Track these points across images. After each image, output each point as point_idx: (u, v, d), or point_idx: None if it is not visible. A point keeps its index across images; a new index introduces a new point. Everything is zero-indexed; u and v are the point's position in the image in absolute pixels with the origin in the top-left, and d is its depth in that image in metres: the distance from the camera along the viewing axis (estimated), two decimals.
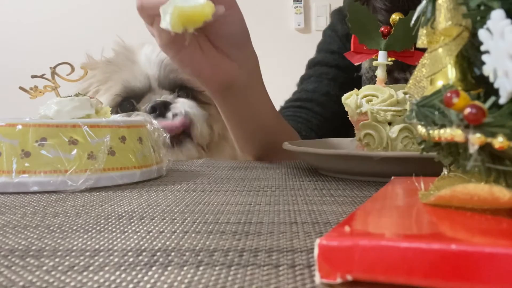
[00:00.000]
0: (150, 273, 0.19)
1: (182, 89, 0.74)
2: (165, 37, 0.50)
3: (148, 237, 0.24)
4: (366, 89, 0.46)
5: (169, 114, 0.68)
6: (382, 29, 0.47)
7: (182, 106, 0.70)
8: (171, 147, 0.67)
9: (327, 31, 0.90)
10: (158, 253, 0.22)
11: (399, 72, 0.71)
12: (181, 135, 0.70)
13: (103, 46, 0.77)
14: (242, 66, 0.56)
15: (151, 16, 0.49)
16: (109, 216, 0.29)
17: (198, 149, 0.72)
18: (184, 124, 0.69)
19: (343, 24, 0.84)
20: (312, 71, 0.86)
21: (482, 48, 0.19)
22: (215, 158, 0.73)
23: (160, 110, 0.68)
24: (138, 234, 0.25)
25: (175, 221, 0.28)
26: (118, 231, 0.26)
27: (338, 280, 0.17)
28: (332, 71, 0.80)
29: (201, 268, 0.20)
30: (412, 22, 0.24)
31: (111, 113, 0.48)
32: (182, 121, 0.68)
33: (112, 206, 0.33)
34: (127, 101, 0.70)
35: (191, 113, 0.70)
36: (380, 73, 0.48)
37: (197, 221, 0.28)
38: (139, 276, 0.19)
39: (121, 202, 0.34)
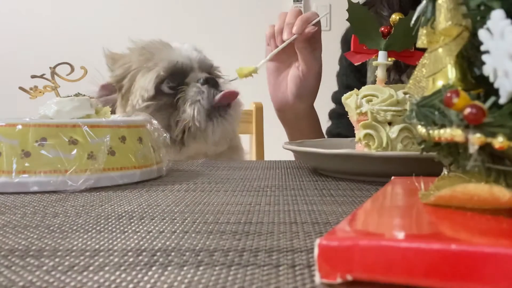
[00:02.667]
0: (150, 273, 0.19)
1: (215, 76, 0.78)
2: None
3: (148, 237, 0.24)
4: (366, 89, 0.46)
5: (221, 90, 0.72)
6: (382, 29, 0.47)
7: (225, 84, 0.75)
8: (218, 118, 0.71)
9: (341, 62, 0.93)
10: (158, 253, 0.22)
11: (395, 74, 0.71)
12: (222, 109, 0.72)
13: (103, 46, 0.77)
14: (294, 108, 0.77)
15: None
16: (109, 216, 0.29)
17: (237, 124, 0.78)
18: (237, 91, 0.74)
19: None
20: (335, 108, 0.90)
21: (482, 48, 0.19)
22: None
23: (213, 83, 0.72)
24: (138, 234, 0.25)
25: (175, 221, 0.28)
26: (118, 231, 0.26)
27: (338, 280, 0.17)
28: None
29: (201, 268, 0.20)
30: (412, 22, 0.24)
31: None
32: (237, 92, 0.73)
33: (112, 206, 0.33)
34: (172, 79, 0.72)
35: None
36: (380, 73, 0.47)
37: (197, 221, 0.28)
38: (139, 276, 0.19)
39: (121, 202, 0.34)
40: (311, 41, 0.71)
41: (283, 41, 0.70)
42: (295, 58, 0.73)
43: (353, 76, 0.86)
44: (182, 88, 0.70)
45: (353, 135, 0.81)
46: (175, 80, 0.71)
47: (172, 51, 0.73)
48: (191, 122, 0.69)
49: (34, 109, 0.44)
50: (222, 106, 0.71)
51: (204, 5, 2.36)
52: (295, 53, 0.72)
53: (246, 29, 2.33)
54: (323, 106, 0.92)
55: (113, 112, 0.73)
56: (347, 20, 0.47)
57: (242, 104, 0.80)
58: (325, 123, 0.90)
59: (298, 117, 0.79)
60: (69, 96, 0.45)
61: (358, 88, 0.47)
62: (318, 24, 0.71)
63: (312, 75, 0.73)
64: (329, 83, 0.95)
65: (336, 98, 0.89)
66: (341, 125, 0.84)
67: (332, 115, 0.90)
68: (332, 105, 0.91)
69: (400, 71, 0.72)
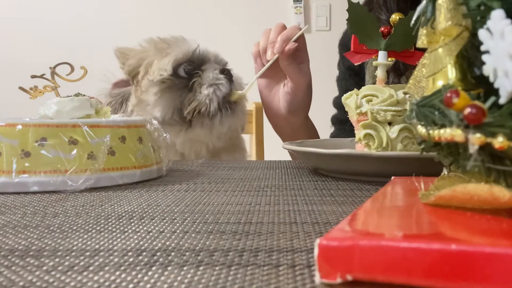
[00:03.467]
0: (150, 273, 0.19)
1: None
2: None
3: (148, 237, 0.24)
4: (366, 89, 0.46)
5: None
6: (382, 29, 0.47)
7: (238, 79, 0.76)
8: (228, 110, 0.72)
9: (340, 66, 0.92)
10: (158, 253, 0.22)
11: (394, 77, 0.71)
12: (233, 103, 0.73)
13: (103, 46, 0.77)
14: (288, 123, 0.78)
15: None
16: (109, 216, 0.29)
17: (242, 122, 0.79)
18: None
19: (347, 60, 0.86)
20: (337, 113, 0.90)
21: (482, 48, 0.19)
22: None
23: (229, 75, 0.73)
24: (138, 234, 0.25)
25: (175, 221, 0.28)
26: (118, 231, 0.26)
27: (338, 280, 0.17)
28: None
29: (201, 268, 0.20)
30: (412, 22, 0.24)
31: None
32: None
33: (112, 206, 0.33)
34: (189, 64, 0.73)
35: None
36: (380, 73, 0.47)
37: (197, 221, 0.28)
38: (139, 276, 0.19)
39: (121, 202, 0.34)
40: (296, 56, 0.71)
41: (268, 60, 0.70)
42: (283, 73, 0.73)
43: (352, 80, 0.86)
44: (199, 73, 0.71)
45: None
46: (191, 66, 0.72)
47: (188, 43, 0.75)
48: (205, 103, 0.70)
49: (34, 109, 0.44)
50: (232, 101, 0.72)
51: (204, 5, 2.36)
52: (280, 72, 0.73)
53: (246, 29, 2.33)
54: (324, 109, 0.92)
55: (122, 104, 0.74)
56: (347, 20, 0.47)
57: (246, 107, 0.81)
58: (328, 129, 0.90)
59: (294, 130, 0.79)
60: (69, 96, 0.45)
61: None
62: (301, 37, 0.71)
63: (300, 90, 0.73)
64: (329, 84, 0.96)
65: (337, 103, 0.89)
66: (344, 131, 0.85)
67: (334, 120, 0.90)
68: (334, 110, 0.91)
69: (399, 74, 0.72)
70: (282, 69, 0.71)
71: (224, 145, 0.76)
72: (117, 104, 0.75)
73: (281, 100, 0.75)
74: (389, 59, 0.48)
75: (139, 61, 0.73)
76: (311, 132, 0.83)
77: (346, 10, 0.47)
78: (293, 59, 0.71)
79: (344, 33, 0.91)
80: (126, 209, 0.32)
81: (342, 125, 0.86)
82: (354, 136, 0.48)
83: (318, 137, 0.85)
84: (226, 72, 0.72)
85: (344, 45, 0.89)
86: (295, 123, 0.78)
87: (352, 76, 0.87)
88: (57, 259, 0.21)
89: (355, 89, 0.48)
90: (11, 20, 2.38)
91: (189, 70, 0.72)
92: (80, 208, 0.32)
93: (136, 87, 0.73)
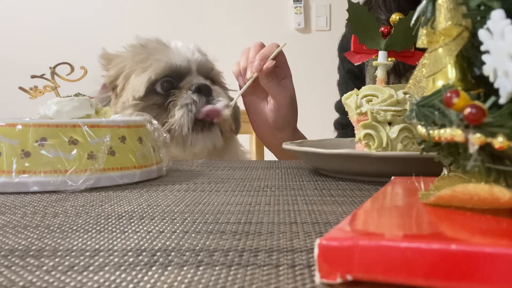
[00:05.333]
0: (150, 273, 0.19)
1: (213, 81, 0.77)
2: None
3: (148, 237, 0.24)
4: (366, 89, 0.46)
5: (213, 99, 0.72)
6: (382, 29, 0.47)
7: (219, 93, 0.74)
8: (199, 132, 0.70)
9: (340, 70, 0.92)
10: (158, 253, 0.22)
11: (395, 78, 0.71)
12: (208, 122, 0.72)
13: (103, 46, 0.77)
14: (276, 139, 0.76)
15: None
16: (109, 216, 0.29)
17: (222, 138, 0.75)
18: (222, 110, 0.72)
19: (347, 63, 0.87)
20: (339, 118, 0.90)
21: (482, 48, 0.19)
22: (226, 150, 0.78)
23: (205, 91, 0.71)
24: (138, 234, 0.25)
25: (175, 221, 0.28)
26: (118, 231, 0.26)
27: (338, 280, 0.17)
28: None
29: (201, 268, 0.20)
30: (412, 22, 0.24)
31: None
32: (223, 107, 0.71)
33: (112, 206, 0.33)
34: (166, 81, 0.71)
35: (224, 101, 0.74)
36: (380, 73, 0.47)
37: (197, 221, 0.28)
38: (139, 276, 0.19)
39: (121, 202, 0.34)
40: (276, 73, 0.72)
41: (248, 79, 0.71)
42: (266, 91, 0.73)
43: (352, 84, 0.86)
44: (175, 92, 0.70)
45: None
46: (169, 83, 0.71)
47: (170, 52, 0.73)
48: (177, 125, 0.69)
49: (34, 109, 0.44)
50: (208, 120, 0.71)
51: (204, 5, 2.36)
52: (261, 91, 0.73)
53: (246, 29, 2.33)
54: (324, 109, 0.92)
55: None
56: (347, 20, 0.47)
57: (239, 108, 0.80)
58: (328, 128, 0.90)
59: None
60: (69, 96, 0.45)
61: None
62: (281, 54, 0.71)
63: (283, 106, 0.73)
64: (329, 84, 0.95)
65: (339, 107, 0.89)
66: (347, 135, 0.84)
67: (337, 125, 0.90)
68: (335, 111, 0.91)
69: (399, 75, 0.72)
70: (263, 87, 0.72)
71: (203, 156, 0.75)
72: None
73: (267, 117, 0.76)
74: (389, 59, 0.48)
75: (118, 71, 0.72)
76: None
77: (346, 10, 0.47)
78: (273, 76, 0.71)
79: (343, 36, 0.91)
80: (126, 209, 0.32)
81: (345, 129, 0.86)
82: None
83: None
84: (202, 88, 0.70)
85: (343, 48, 0.88)
86: (283, 138, 0.76)
87: (352, 80, 0.87)
88: (57, 259, 0.21)
89: (355, 89, 0.48)
90: (11, 20, 2.38)
91: (167, 87, 0.71)
92: (80, 208, 0.32)
93: (115, 99, 0.73)
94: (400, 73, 0.71)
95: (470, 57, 0.21)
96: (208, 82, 0.74)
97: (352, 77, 0.86)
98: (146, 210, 0.31)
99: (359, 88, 0.47)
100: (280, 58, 0.72)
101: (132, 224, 0.27)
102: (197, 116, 0.69)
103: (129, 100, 0.70)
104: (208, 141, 0.72)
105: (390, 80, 0.72)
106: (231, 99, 0.75)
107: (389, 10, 0.75)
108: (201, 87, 0.71)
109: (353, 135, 0.49)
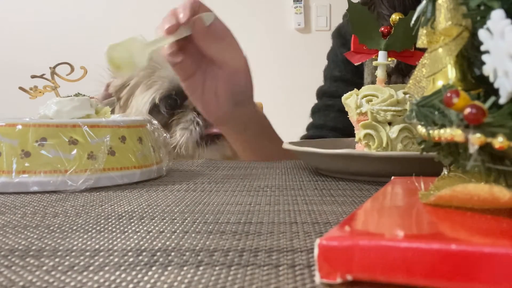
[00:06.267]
0: (150, 273, 0.19)
1: None
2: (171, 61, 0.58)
3: (148, 237, 0.24)
4: (366, 89, 0.46)
5: None
6: (382, 29, 0.47)
7: None
8: (206, 146, 0.71)
9: (330, 55, 0.90)
10: (158, 253, 0.22)
11: (397, 77, 0.70)
12: (214, 135, 0.72)
13: (103, 46, 0.77)
14: (235, 118, 0.64)
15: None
16: (109, 216, 0.29)
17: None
18: None
19: (343, 48, 0.84)
20: (320, 102, 0.87)
21: (482, 48, 0.19)
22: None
23: None
24: (138, 234, 0.25)
25: (175, 221, 0.28)
26: (118, 231, 0.26)
27: (338, 280, 0.17)
28: (338, 102, 0.71)
29: (201, 268, 0.20)
30: (412, 22, 0.24)
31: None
32: None
33: (112, 206, 0.33)
34: (170, 98, 0.71)
35: None
36: (380, 73, 0.47)
37: (197, 221, 0.28)
38: (139, 276, 0.19)
39: (121, 202, 0.34)
40: (215, 30, 0.57)
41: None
42: (207, 62, 0.59)
43: (350, 70, 0.82)
44: (178, 111, 0.70)
45: (340, 126, 0.80)
46: (173, 101, 0.71)
47: None
48: (178, 147, 0.69)
49: (34, 109, 0.44)
50: (214, 133, 0.71)
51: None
52: (202, 58, 0.59)
53: (246, 29, 2.33)
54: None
55: (113, 112, 0.73)
56: (347, 20, 0.47)
57: None
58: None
59: (246, 127, 0.67)
60: (69, 96, 0.45)
61: (353, 81, 0.46)
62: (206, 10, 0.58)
63: (241, 71, 0.60)
64: None
65: (323, 91, 0.85)
66: (328, 118, 0.81)
67: (318, 108, 0.85)
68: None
69: (402, 74, 0.71)
70: (206, 53, 0.57)
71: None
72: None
73: (221, 93, 0.62)
74: (389, 59, 0.48)
75: (124, 83, 0.73)
76: (266, 123, 0.72)
77: (346, 10, 0.47)
78: (213, 33, 0.57)
79: (340, 24, 0.88)
80: (126, 209, 0.32)
81: (326, 111, 0.81)
82: (338, 122, 0.47)
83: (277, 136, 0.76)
84: None
85: (340, 36, 0.86)
86: (245, 115, 0.65)
87: (351, 65, 0.84)
88: (57, 259, 0.21)
89: (355, 89, 0.48)
90: (12, 20, 2.38)
91: (171, 105, 0.71)
92: (80, 208, 0.32)
93: (119, 110, 0.73)
94: (403, 72, 0.70)
95: (470, 57, 0.21)
96: None
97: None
98: (146, 210, 0.31)
99: (354, 74, 0.47)
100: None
101: (132, 224, 0.27)
102: (202, 132, 0.70)
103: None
104: (215, 153, 0.72)
105: (393, 80, 0.71)
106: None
107: (392, 7, 0.74)
108: None
109: (335, 117, 0.48)
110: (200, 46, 0.56)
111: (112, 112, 0.74)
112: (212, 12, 0.58)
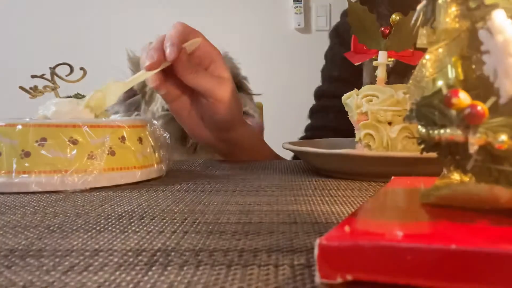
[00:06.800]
0: (150, 273, 0.19)
1: (238, 87, 0.77)
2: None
3: (148, 237, 0.24)
4: (366, 89, 0.46)
5: None
6: (382, 29, 0.47)
7: (245, 102, 0.76)
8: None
9: (328, 55, 0.89)
10: (158, 253, 0.22)
11: (396, 77, 0.70)
12: None
13: (126, 47, 0.77)
14: (223, 140, 0.63)
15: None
16: (109, 216, 0.29)
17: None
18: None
19: (340, 47, 0.83)
20: (319, 103, 0.87)
21: (482, 48, 0.19)
22: None
23: None
24: (138, 234, 0.25)
25: (175, 221, 0.28)
26: (118, 231, 0.26)
27: (338, 280, 0.17)
28: (337, 102, 0.67)
29: (201, 268, 0.20)
30: (412, 22, 0.24)
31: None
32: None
33: (112, 206, 0.33)
34: None
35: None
36: (380, 73, 0.47)
37: (197, 221, 0.28)
38: (139, 276, 0.19)
39: (121, 202, 0.34)
40: (199, 58, 0.56)
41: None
42: (189, 88, 0.56)
43: (348, 69, 0.82)
44: None
45: (340, 127, 0.80)
46: None
47: None
48: None
49: (34, 109, 0.44)
50: None
51: (204, 5, 2.36)
52: (185, 86, 0.56)
53: (246, 29, 2.33)
54: None
55: (138, 109, 0.74)
56: (347, 19, 0.47)
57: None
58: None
59: (237, 147, 0.65)
60: (68, 97, 0.45)
61: (352, 81, 0.46)
62: (198, 35, 0.57)
63: (226, 101, 0.57)
64: None
65: (322, 92, 0.85)
66: (327, 119, 0.81)
67: (316, 109, 0.84)
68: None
69: (401, 75, 0.70)
70: (189, 85, 0.55)
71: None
72: (130, 113, 0.74)
73: (208, 120, 0.60)
74: (389, 59, 0.48)
75: (144, 86, 0.74)
76: (256, 142, 0.70)
77: (346, 10, 0.47)
78: (196, 65, 0.55)
79: (337, 24, 0.88)
80: (126, 209, 0.32)
81: (326, 112, 0.80)
82: (339, 123, 0.47)
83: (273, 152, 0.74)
84: None
85: (338, 35, 0.85)
86: (233, 138, 0.63)
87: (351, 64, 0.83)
88: (57, 259, 0.21)
89: (355, 89, 0.48)
90: (12, 21, 2.38)
91: None
92: (80, 208, 0.32)
93: (145, 105, 0.74)
94: (401, 73, 0.70)
95: (470, 57, 0.21)
96: None
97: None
98: (146, 210, 0.31)
99: (353, 75, 0.47)
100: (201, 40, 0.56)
101: (132, 224, 0.27)
102: None
103: (159, 111, 0.71)
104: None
105: (391, 81, 0.71)
106: (257, 105, 0.76)
107: (392, 7, 0.74)
108: None
109: (335, 118, 0.48)
110: (180, 78, 0.54)
111: (137, 109, 0.75)
112: (199, 38, 0.56)
